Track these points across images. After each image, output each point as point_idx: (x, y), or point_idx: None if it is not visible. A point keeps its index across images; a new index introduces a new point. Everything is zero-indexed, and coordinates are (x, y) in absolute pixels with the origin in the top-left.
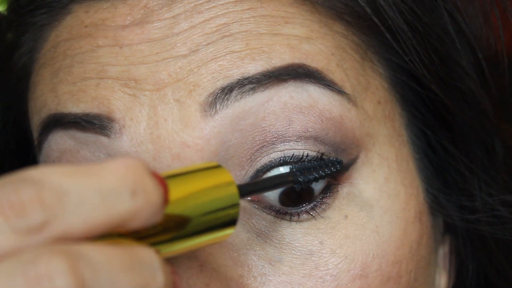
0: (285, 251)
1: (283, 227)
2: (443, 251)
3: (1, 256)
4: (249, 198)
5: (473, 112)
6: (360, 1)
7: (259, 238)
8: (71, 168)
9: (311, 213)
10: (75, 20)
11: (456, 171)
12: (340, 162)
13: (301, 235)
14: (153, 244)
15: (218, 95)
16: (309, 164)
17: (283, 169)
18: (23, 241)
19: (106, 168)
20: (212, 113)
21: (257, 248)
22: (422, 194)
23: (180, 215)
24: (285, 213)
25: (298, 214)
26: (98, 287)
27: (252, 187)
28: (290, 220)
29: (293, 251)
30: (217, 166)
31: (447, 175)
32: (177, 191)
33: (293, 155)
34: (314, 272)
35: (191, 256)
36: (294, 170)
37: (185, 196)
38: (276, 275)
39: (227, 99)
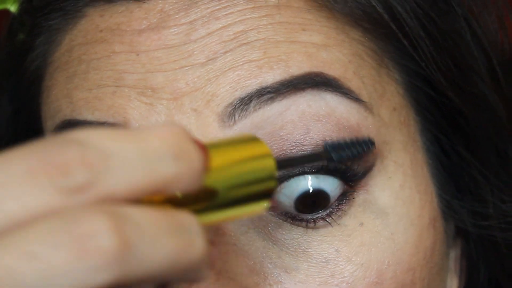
0: (301, 259)
1: (299, 234)
2: (455, 254)
3: (45, 214)
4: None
5: (487, 118)
6: (377, 7)
7: (275, 246)
8: (116, 131)
9: (327, 220)
10: (90, 24)
11: (469, 176)
12: (372, 142)
13: (317, 242)
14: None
15: (237, 105)
16: (341, 142)
17: (303, 179)
18: (67, 200)
19: (150, 133)
20: (231, 123)
21: (273, 256)
22: (435, 200)
23: (217, 185)
24: (301, 220)
25: (314, 221)
26: (142, 248)
27: (288, 162)
28: (306, 227)
29: (309, 259)
30: (255, 139)
31: (460, 180)
32: (216, 160)
33: (312, 165)
34: (330, 280)
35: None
36: (328, 147)
37: (224, 166)
38: (292, 283)
39: (246, 110)
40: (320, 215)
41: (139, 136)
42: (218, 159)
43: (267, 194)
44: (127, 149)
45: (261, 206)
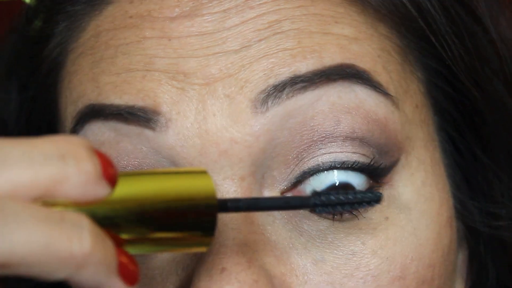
0: (327, 250)
1: (326, 226)
2: (462, 256)
3: None
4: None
5: (503, 120)
6: (406, 3)
7: (301, 237)
8: (5, 138)
9: (353, 212)
10: (119, 10)
11: (483, 177)
12: (379, 198)
13: (344, 234)
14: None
15: (270, 92)
16: (341, 196)
17: (331, 173)
18: None
19: (42, 139)
20: (263, 110)
21: (300, 247)
22: (451, 199)
23: (144, 210)
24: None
25: (341, 213)
26: (10, 228)
27: (250, 204)
28: (333, 220)
29: (335, 251)
30: (203, 172)
31: (474, 180)
32: (142, 183)
33: (343, 162)
34: (355, 272)
35: (238, 251)
36: (319, 197)
37: (150, 189)
38: (318, 274)
39: (279, 97)
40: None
41: (29, 141)
42: (145, 183)
43: (207, 232)
44: (12, 149)
45: (197, 243)
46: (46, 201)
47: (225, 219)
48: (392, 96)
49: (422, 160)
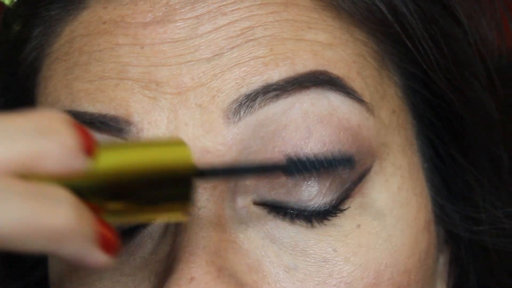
0: (299, 258)
1: (296, 233)
2: (443, 260)
3: None
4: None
5: (482, 123)
6: (381, 8)
7: (273, 245)
8: None
9: (324, 221)
10: (93, 16)
11: (463, 181)
12: (352, 161)
13: (314, 241)
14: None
15: (243, 102)
16: (310, 158)
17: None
18: None
19: (20, 114)
20: (236, 120)
21: (272, 255)
22: (430, 203)
23: (124, 180)
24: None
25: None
26: None
27: (226, 170)
28: (304, 225)
29: (307, 258)
30: (181, 143)
31: (454, 185)
32: (121, 154)
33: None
34: (328, 279)
35: (208, 260)
36: (291, 161)
37: (129, 160)
38: (290, 282)
39: (251, 107)
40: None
41: (6, 116)
42: (124, 154)
43: (186, 200)
44: None
45: (177, 212)
46: (26, 176)
47: (195, 227)
48: (366, 102)
49: (398, 166)
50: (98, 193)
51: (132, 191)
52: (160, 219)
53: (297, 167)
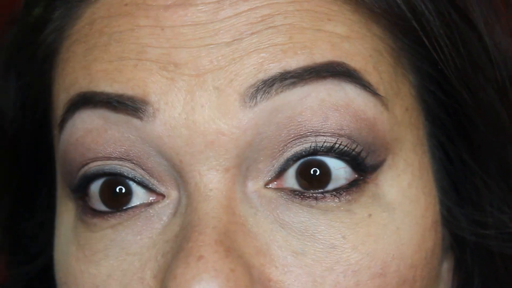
0: (308, 243)
1: (307, 218)
2: (447, 265)
3: None
4: (274, 187)
5: (493, 127)
6: (400, 4)
7: (282, 230)
8: None
9: (337, 197)
10: None
11: (471, 184)
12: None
13: (325, 227)
14: None
15: (260, 87)
16: None
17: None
18: None
19: None
20: (252, 104)
21: (280, 239)
22: (438, 204)
23: None
24: (309, 197)
25: (324, 196)
26: None
27: None
28: (316, 207)
29: (316, 244)
30: None
31: (462, 188)
32: None
33: (324, 142)
34: (335, 266)
35: (217, 240)
36: None
37: None
38: (298, 266)
39: (268, 92)
40: (327, 189)
41: None
42: None
43: None
44: None
45: None
46: None
47: (206, 207)
48: (381, 96)
49: (409, 163)
50: None
51: None
52: None
53: None
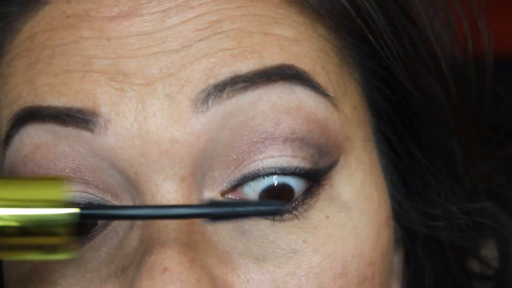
0: (269, 249)
1: (267, 226)
2: (397, 258)
3: None
4: (232, 197)
5: (437, 120)
6: (345, 4)
7: (242, 237)
8: None
9: (293, 213)
10: (56, 11)
11: (419, 177)
12: (279, 210)
13: (285, 233)
14: None
15: (211, 92)
16: (239, 208)
17: (270, 179)
18: None
19: None
20: (204, 109)
21: (241, 247)
22: (389, 199)
23: None
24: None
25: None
26: None
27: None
28: (273, 220)
29: (277, 250)
30: (59, 179)
31: (410, 181)
32: None
33: (283, 168)
34: (297, 270)
35: (180, 251)
36: (214, 208)
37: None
38: (260, 273)
39: (219, 97)
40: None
41: None
42: None
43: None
44: None
45: (61, 252)
46: None
47: (165, 220)
48: (331, 97)
49: (361, 160)
50: None
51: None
52: (39, 259)
53: (218, 214)
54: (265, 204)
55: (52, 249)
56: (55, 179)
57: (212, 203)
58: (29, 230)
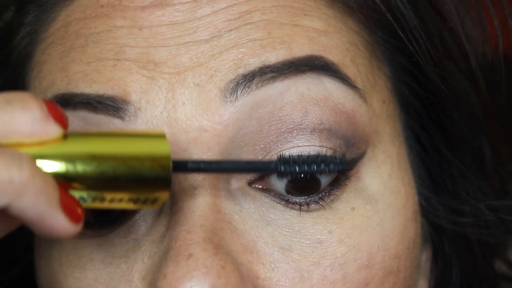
0: (294, 239)
1: (293, 215)
2: (426, 255)
3: None
4: (259, 187)
5: (467, 117)
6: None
7: (268, 226)
8: None
9: (320, 203)
10: (90, 0)
11: (447, 174)
12: (346, 165)
13: (310, 224)
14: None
15: (240, 82)
16: (299, 157)
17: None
18: None
19: None
20: (233, 99)
21: (266, 236)
22: (416, 194)
23: (102, 165)
24: (294, 203)
25: (307, 204)
26: None
27: (213, 166)
28: (300, 210)
29: (302, 239)
30: (161, 135)
31: (438, 177)
32: (97, 141)
33: (309, 154)
34: (322, 260)
35: (205, 238)
36: (280, 159)
37: (105, 146)
38: (285, 262)
39: (248, 87)
40: (312, 198)
41: None
42: (100, 139)
43: (162, 190)
44: None
45: (152, 203)
46: None
47: (191, 206)
48: (359, 89)
49: (388, 154)
50: (69, 172)
51: (102, 175)
52: (129, 207)
53: (285, 171)
54: (325, 164)
55: (146, 200)
56: (157, 134)
57: (281, 160)
58: (132, 180)
